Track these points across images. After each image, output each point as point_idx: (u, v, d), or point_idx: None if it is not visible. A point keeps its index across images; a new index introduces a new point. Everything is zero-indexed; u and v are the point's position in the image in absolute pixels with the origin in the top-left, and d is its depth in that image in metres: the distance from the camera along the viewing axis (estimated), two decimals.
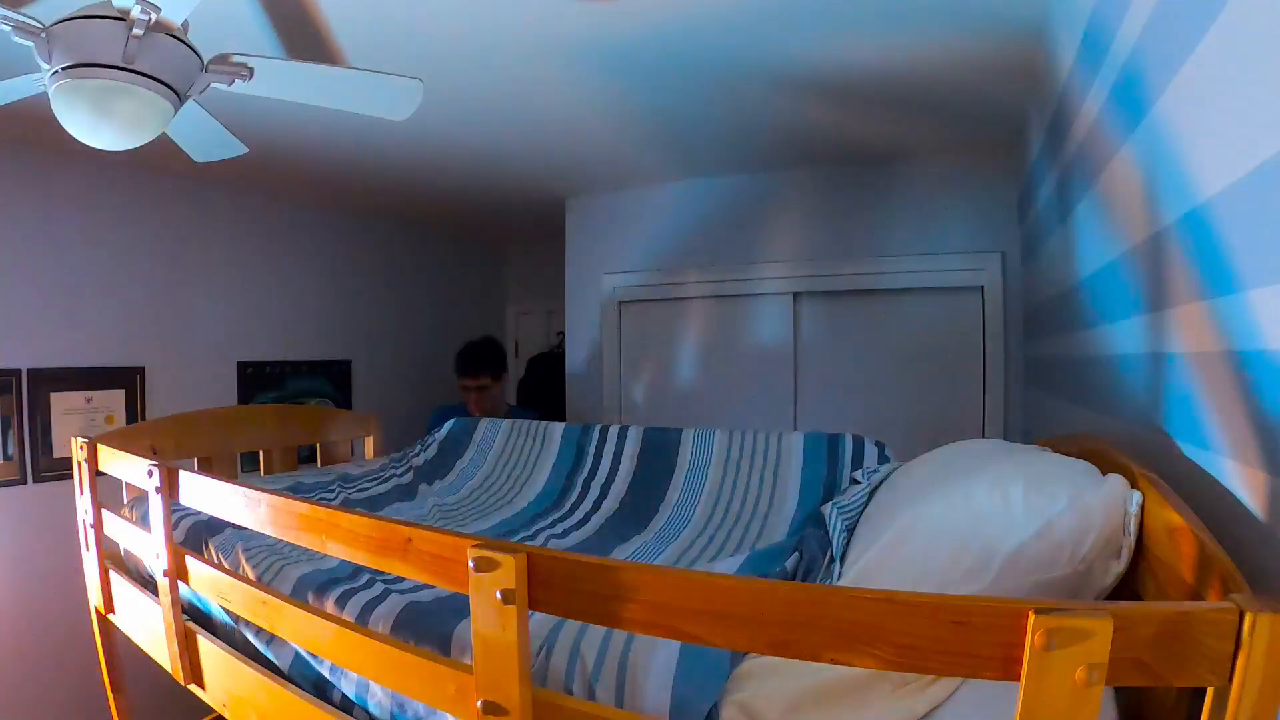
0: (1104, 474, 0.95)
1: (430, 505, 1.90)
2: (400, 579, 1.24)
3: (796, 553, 1.25)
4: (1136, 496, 0.87)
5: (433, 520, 1.79)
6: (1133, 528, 0.86)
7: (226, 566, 1.37)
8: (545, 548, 1.10)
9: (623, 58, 1.92)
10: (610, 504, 1.89)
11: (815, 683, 0.83)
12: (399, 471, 2.18)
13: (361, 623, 1.11)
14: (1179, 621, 0.54)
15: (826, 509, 1.40)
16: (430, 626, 1.04)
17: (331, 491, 1.92)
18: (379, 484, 2.06)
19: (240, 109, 1.77)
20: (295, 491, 1.82)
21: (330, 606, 1.18)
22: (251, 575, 1.35)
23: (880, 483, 1.45)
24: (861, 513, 1.34)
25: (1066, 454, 1.11)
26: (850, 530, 1.27)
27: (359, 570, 1.28)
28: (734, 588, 0.70)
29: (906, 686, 0.84)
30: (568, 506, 1.90)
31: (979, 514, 0.94)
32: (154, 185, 2.99)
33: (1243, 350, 0.72)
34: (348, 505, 1.81)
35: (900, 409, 2.91)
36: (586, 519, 1.81)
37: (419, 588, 1.20)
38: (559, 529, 1.72)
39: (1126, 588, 0.89)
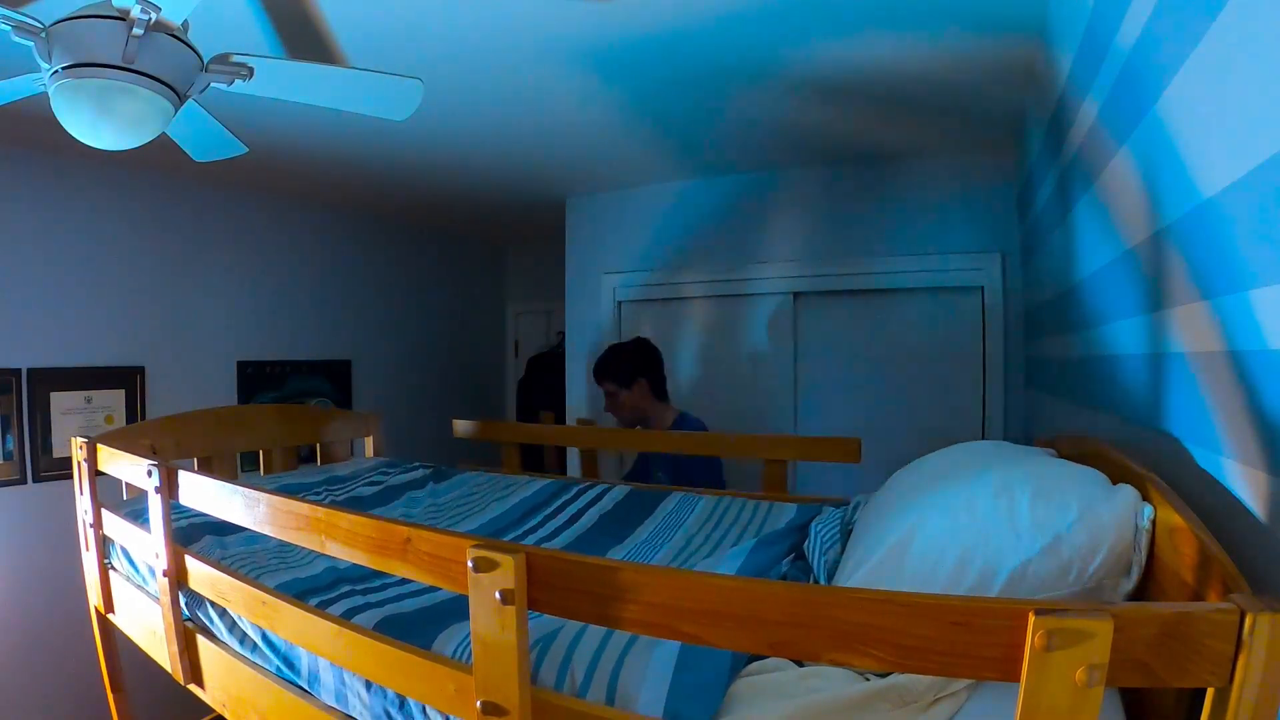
0: (1108, 478, 0.91)
1: (425, 504, 1.89)
2: (382, 589, 1.23)
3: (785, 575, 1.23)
4: (1148, 510, 0.82)
5: (425, 516, 1.78)
6: (1144, 543, 0.81)
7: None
8: (544, 548, 1.09)
9: (623, 57, 1.91)
10: (605, 504, 1.88)
11: (809, 704, 0.79)
12: (391, 476, 2.16)
13: None
14: (1179, 622, 0.54)
15: (810, 526, 1.37)
16: (409, 639, 1.01)
17: (318, 494, 1.91)
18: (365, 485, 2.04)
19: (240, 109, 1.77)
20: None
21: None
22: None
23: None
24: (848, 523, 1.32)
25: (1067, 455, 1.10)
26: (842, 534, 1.25)
27: (338, 580, 1.27)
28: (734, 588, 0.70)
29: (907, 708, 0.79)
30: (561, 501, 1.89)
31: (983, 525, 0.88)
32: (154, 185, 2.99)
33: (1244, 350, 0.72)
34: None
35: (900, 409, 2.90)
36: (581, 514, 1.79)
37: (400, 598, 1.19)
38: (549, 528, 1.71)
39: None
